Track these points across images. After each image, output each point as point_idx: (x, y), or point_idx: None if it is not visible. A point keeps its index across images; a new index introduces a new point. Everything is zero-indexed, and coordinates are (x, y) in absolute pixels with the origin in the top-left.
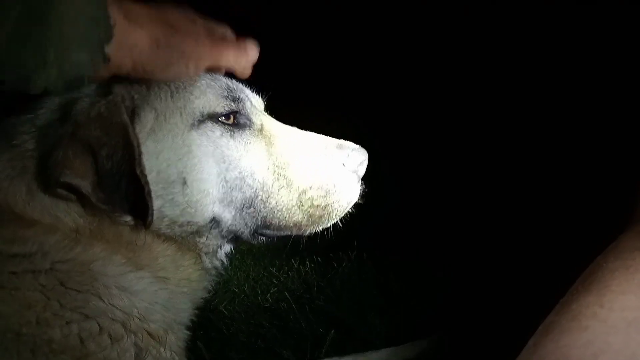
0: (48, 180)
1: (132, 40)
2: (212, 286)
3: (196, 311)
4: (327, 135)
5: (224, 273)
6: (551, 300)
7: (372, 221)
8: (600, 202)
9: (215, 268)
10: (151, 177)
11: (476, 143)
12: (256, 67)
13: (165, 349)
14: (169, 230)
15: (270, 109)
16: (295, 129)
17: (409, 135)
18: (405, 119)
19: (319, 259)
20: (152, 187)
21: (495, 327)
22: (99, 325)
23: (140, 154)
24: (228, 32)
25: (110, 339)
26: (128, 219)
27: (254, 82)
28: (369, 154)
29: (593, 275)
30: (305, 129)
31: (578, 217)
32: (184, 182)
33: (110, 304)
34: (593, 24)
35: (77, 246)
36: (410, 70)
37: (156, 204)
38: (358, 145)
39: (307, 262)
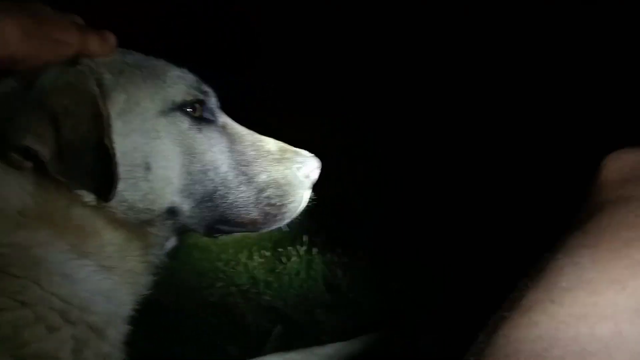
0: (3, 145)
1: (1, 30)
2: (152, 283)
3: (136, 307)
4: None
5: (163, 272)
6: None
7: (321, 217)
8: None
9: (157, 265)
10: (117, 158)
11: (439, 145)
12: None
13: (104, 342)
14: (124, 216)
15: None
16: (254, 132)
17: (366, 134)
18: (358, 121)
19: (267, 253)
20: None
21: (444, 321)
22: (35, 314)
23: (109, 125)
24: (82, 22)
25: (47, 329)
26: (86, 195)
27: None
28: (324, 151)
29: (542, 272)
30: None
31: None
32: (148, 167)
33: (50, 291)
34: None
35: (19, 230)
36: (399, 68)
37: (119, 186)
38: (312, 154)
39: (255, 257)
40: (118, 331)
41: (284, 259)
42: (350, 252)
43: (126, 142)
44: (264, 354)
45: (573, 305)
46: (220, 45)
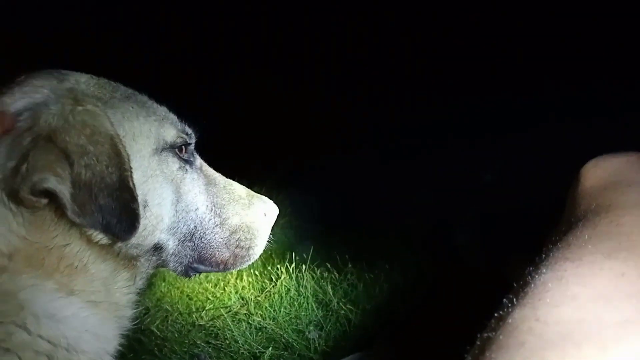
0: (17, 187)
1: None
2: (134, 316)
3: (121, 341)
4: None
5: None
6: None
7: (309, 235)
8: None
9: (137, 300)
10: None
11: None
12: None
13: None
14: (116, 250)
15: None
16: (220, 174)
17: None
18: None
19: (256, 272)
20: None
21: (435, 339)
22: (20, 359)
23: (130, 166)
24: None
25: None
26: (97, 235)
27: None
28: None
29: (526, 288)
30: None
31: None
32: (145, 205)
33: (36, 335)
34: None
35: (3, 274)
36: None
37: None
38: (272, 201)
39: (244, 277)
40: None
41: (273, 278)
42: (339, 267)
43: None
44: None
45: (559, 323)
46: None
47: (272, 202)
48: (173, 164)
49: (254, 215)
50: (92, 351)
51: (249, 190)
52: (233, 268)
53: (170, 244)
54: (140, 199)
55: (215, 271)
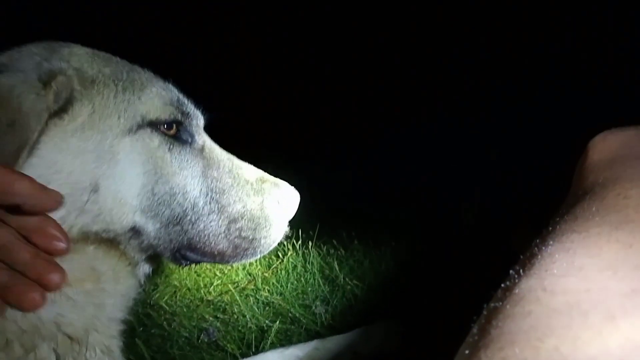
0: None
1: None
2: (142, 283)
3: (130, 305)
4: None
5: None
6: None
7: (317, 210)
8: None
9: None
10: (60, 177)
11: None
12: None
13: (87, 349)
14: (84, 238)
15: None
16: (234, 157)
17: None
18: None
19: None
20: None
21: (441, 313)
22: (7, 338)
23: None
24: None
25: (24, 348)
26: None
27: (198, 99)
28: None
29: (533, 259)
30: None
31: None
32: (96, 190)
33: (12, 319)
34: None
35: None
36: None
37: (58, 213)
38: (293, 187)
39: None
40: (107, 335)
41: (280, 254)
42: (345, 243)
43: (75, 162)
44: (263, 350)
45: (566, 293)
46: None
47: (292, 187)
48: (150, 141)
49: (262, 202)
50: (80, 321)
51: (264, 174)
52: (234, 260)
53: (150, 227)
54: (88, 184)
55: (210, 262)
